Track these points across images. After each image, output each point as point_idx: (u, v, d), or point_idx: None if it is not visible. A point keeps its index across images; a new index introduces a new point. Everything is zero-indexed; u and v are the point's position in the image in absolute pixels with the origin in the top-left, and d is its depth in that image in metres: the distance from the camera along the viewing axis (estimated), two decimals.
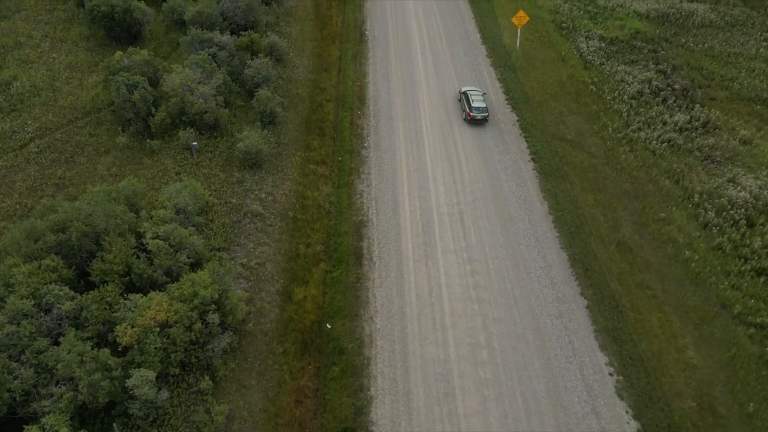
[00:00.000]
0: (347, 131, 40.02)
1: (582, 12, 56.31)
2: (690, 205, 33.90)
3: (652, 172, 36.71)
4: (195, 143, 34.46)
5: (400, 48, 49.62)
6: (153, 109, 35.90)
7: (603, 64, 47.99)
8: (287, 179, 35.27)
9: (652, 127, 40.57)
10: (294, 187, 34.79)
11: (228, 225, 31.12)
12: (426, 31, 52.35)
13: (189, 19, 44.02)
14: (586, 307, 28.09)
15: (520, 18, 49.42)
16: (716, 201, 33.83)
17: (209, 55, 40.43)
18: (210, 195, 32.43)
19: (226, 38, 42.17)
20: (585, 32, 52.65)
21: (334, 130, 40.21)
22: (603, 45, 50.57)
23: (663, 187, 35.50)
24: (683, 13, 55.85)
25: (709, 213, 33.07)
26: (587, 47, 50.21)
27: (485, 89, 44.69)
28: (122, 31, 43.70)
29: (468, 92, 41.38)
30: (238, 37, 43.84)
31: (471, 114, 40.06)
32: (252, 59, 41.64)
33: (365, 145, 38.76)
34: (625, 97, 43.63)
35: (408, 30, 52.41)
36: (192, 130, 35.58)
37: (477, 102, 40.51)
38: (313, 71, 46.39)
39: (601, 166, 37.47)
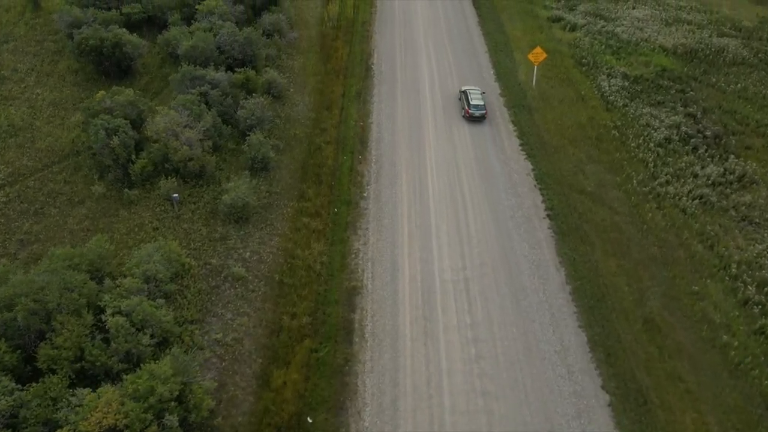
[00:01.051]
0: (346, 178, 36.84)
1: (604, 46, 52.87)
2: (727, 277, 30.02)
3: (682, 234, 32.91)
4: (176, 195, 31.49)
5: (407, 84, 46.54)
6: (134, 156, 33.12)
7: (626, 106, 44.38)
8: (276, 235, 32.08)
9: (682, 180, 36.79)
10: (283, 244, 31.57)
11: (205, 291, 27.93)
12: (436, 66, 49.26)
13: (182, 53, 41.39)
14: (609, 405, 24.29)
15: (537, 55, 46.14)
16: (756, 273, 29.92)
17: (200, 93, 37.70)
18: (188, 255, 29.31)
19: (220, 75, 39.42)
20: (607, 69, 49.14)
21: (332, 176, 37.05)
22: (626, 84, 47.00)
23: (695, 253, 31.67)
24: (713, 49, 52.15)
25: (749, 288, 29.16)
26: (609, 86, 46.68)
27: (498, 132, 41.35)
28: (112, 66, 41.25)
29: (467, 91, 42.76)
30: (233, 73, 41.09)
31: (469, 111, 41.47)
32: (247, 98, 38.79)
33: (364, 195, 35.51)
34: (651, 144, 39.94)
35: (417, 64, 49.37)
36: (174, 179, 32.64)
37: (475, 100, 41.88)
38: (313, 109, 43.45)
39: (624, 226, 33.76)
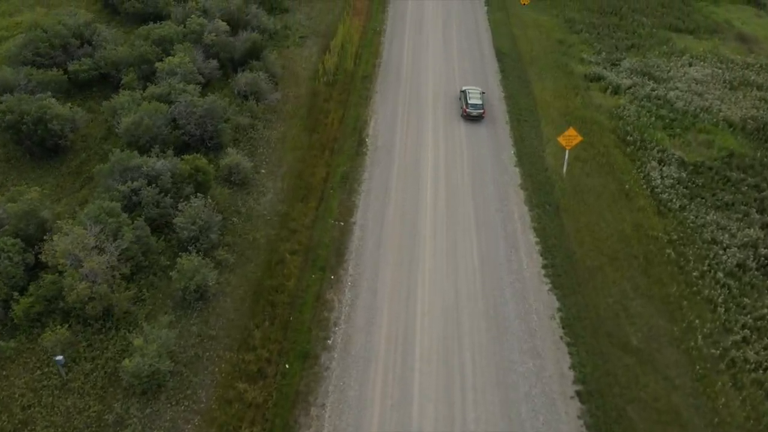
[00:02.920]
0: (309, 312, 27.93)
1: (653, 117, 43.07)
2: None
3: None
4: (60, 358, 22.98)
5: (406, 168, 37.47)
6: (19, 292, 24.93)
7: (684, 208, 34.55)
8: (197, 412, 23.30)
9: (766, 338, 26.88)
10: (203, 429, 22.82)
11: None
12: (444, 142, 40.04)
13: (123, 131, 33.37)
14: None
15: (570, 138, 36.66)
16: None
17: (132, 191, 29.49)
18: None
19: (161, 165, 31.07)
20: (658, 151, 39.33)
21: (290, 307, 28.19)
22: (684, 175, 37.14)
23: None
24: None
25: None
26: (661, 177, 36.91)
27: (516, 246, 31.94)
28: (34, 145, 33.48)
29: (467, 90, 42.93)
30: (183, 158, 32.77)
31: (467, 110, 41.80)
32: (190, 198, 30.26)
33: (329, 342, 26.52)
34: (720, 273, 30.06)
35: (421, 139, 40.33)
36: (68, 326, 24.32)
37: (473, 99, 42.05)
38: (285, 200, 34.83)
39: (686, 413, 23.99)
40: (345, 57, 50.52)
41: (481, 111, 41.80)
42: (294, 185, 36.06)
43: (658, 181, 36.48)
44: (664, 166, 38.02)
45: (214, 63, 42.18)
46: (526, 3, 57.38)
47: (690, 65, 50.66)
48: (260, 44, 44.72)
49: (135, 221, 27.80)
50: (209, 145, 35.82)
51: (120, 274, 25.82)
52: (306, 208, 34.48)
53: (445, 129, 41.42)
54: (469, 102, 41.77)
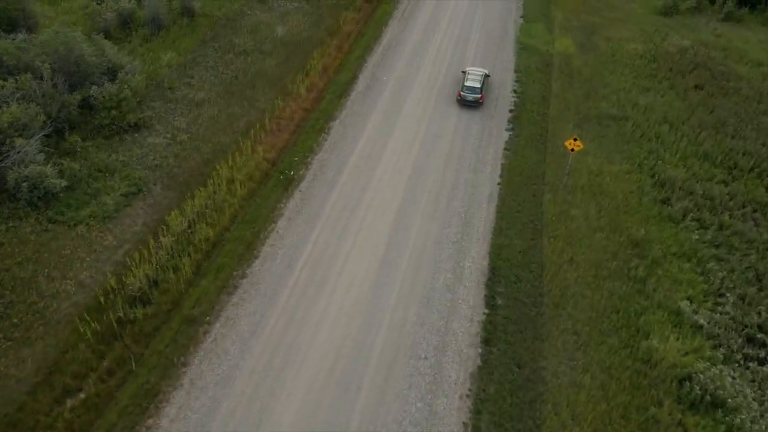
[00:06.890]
0: None
1: None
2: None
3: None
4: None
5: None
6: None
7: None
8: None
9: None
10: None
11: None
12: None
13: None
14: None
15: None
16: None
17: None
18: None
19: None
20: None
21: None
22: None
23: None
24: None
25: None
26: None
27: None
28: None
29: (468, 71, 36.22)
30: None
31: (461, 93, 35.21)
32: None
33: None
34: None
35: None
36: None
37: (470, 81, 35.30)
38: None
39: None
40: (182, 252, 25.48)
41: (478, 96, 34.94)
42: None
43: None
44: None
45: None
46: (577, 149, 29.62)
47: None
48: None
49: None
50: None
51: None
52: None
53: None
54: (465, 84, 35.41)
